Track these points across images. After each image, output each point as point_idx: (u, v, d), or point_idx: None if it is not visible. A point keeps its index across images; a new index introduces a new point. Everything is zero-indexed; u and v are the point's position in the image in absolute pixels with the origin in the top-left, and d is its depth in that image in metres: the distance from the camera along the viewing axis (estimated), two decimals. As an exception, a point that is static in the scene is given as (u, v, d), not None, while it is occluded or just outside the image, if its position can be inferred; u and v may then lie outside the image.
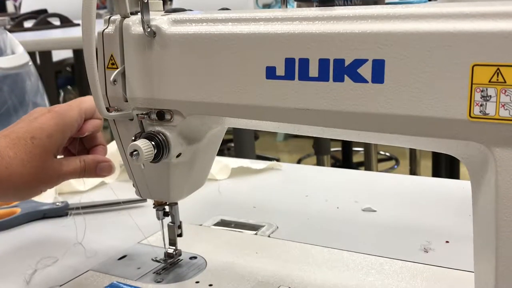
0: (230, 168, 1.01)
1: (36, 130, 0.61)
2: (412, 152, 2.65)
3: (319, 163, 2.32)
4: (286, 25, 0.47)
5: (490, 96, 0.39)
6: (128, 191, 0.78)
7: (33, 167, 0.59)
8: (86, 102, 0.66)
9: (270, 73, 0.48)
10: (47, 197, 0.91)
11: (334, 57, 0.44)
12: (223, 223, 0.80)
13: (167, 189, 0.61)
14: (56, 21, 2.50)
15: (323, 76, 0.45)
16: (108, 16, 0.57)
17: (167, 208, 0.67)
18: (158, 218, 0.67)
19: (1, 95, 1.06)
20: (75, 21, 2.47)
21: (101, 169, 0.66)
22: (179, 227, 0.67)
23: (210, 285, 0.62)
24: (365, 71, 0.43)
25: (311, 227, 0.78)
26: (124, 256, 0.70)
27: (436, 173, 2.32)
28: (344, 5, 0.54)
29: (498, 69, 0.38)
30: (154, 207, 0.66)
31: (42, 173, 0.60)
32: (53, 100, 2.32)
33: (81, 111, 0.65)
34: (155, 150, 0.55)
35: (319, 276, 0.63)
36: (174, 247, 0.68)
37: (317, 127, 0.48)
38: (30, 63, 1.16)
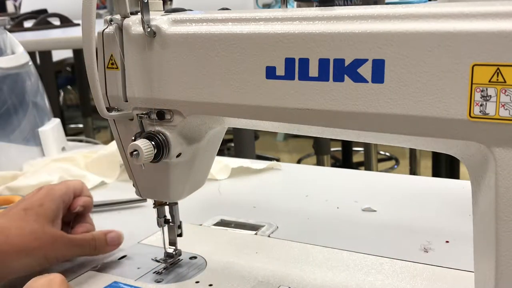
0: (230, 168, 1.01)
1: (28, 204, 0.64)
2: (412, 152, 2.65)
3: (319, 163, 2.32)
4: (286, 25, 0.47)
5: (490, 96, 0.39)
6: (128, 191, 0.78)
7: (31, 230, 0.62)
8: (72, 181, 0.71)
9: (270, 73, 0.48)
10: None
11: (334, 57, 0.44)
12: (223, 223, 0.80)
13: (167, 189, 0.61)
14: (56, 21, 2.50)
15: (323, 76, 0.45)
16: (108, 16, 0.57)
17: (167, 209, 0.67)
18: (158, 220, 0.67)
19: (1, 95, 1.06)
20: (75, 21, 2.47)
21: (112, 239, 0.68)
22: (179, 227, 0.67)
23: (210, 285, 0.62)
24: (365, 71, 0.43)
25: (311, 227, 0.78)
26: (124, 256, 0.70)
27: (436, 173, 2.32)
28: (344, 5, 0.54)
29: (498, 69, 0.38)
30: (154, 207, 0.66)
31: (42, 236, 0.62)
32: (53, 100, 2.32)
33: (69, 186, 0.69)
34: (155, 150, 0.55)
35: (319, 276, 0.63)
36: (174, 247, 0.68)
37: (317, 127, 0.48)
38: (30, 63, 1.16)
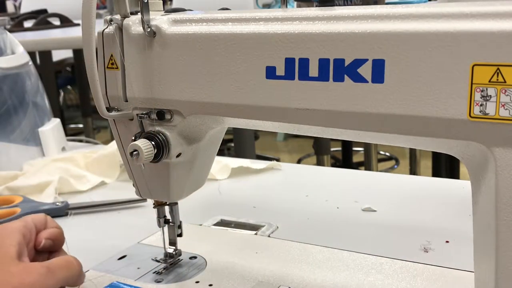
0: (230, 168, 1.01)
1: None
2: (412, 152, 2.65)
3: (319, 163, 2.32)
4: (286, 25, 0.47)
5: (490, 96, 0.39)
6: (128, 191, 0.78)
7: None
8: (31, 215, 0.61)
9: (270, 73, 0.48)
10: (47, 197, 0.91)
11: (334, 57, 0.44)
12: (223, 223, 0.80)
13: (167, 189, 0.61)
14: (56, 21, 2.51)
15: (323, 76, 0.45)
16: (108, 16, 0.57)
17: (167, 209, 0.67)
18: (158, 220, 0.67)
19: (1, 95, 1.06)
20: (75, 21, 2.47)
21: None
22: (179, 227, 0.67)
23: (210, 285, 0.62)
24: (365, 71, 0.43)
25: (311, 227, 0.78)
26: (124, 256, 0.70)
27: (436, 173, 2.32)
28: (344, 5, 0.54)
29: (498, 69, 0.38)
30: (154, 207, 0.66)
31: (9, 277, 0.51)
32: (53, 100, 2.32)
33: (27, 220, 0.59)
34: (155, 150, 0.55)
35: (319, 276, 0.63)
36: (174, 247, 0.68)
37: (317, 127, 0.48)
38: (30, 63, 1.16)
